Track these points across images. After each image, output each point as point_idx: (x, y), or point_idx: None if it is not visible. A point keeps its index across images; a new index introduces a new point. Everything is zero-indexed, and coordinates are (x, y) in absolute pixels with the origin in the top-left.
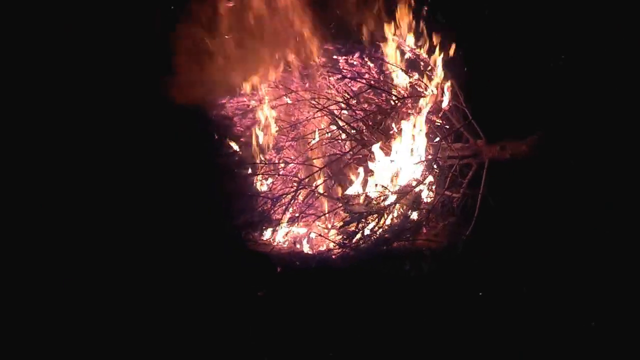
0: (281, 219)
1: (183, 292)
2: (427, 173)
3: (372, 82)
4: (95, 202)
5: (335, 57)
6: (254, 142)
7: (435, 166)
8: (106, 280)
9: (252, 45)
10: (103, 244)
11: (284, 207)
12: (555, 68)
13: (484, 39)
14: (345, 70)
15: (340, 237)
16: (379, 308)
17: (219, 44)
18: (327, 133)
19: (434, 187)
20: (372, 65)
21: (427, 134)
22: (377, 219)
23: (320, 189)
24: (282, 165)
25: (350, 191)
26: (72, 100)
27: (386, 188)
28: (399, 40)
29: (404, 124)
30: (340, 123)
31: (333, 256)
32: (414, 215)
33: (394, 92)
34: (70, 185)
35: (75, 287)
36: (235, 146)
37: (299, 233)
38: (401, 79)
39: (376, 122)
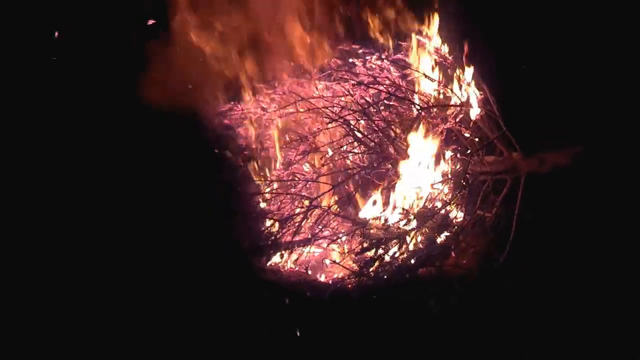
0: (291, 242)
1: (181, 325)
2: (456, 191)
3: (392, 88)
4: (95, 226)
5: (351, 60)
6: (259, 156)
7: (465, 183)
8: (103, 309)
9: (258, 46)
10: (103, 269)
11: (293, 229)
12: (596, 71)
13: (519, 42)
14: (362, 75)
15: (358, 264)
16: (400, 347)
17: (220, 44)
18: (343, 146)
19: (464, 206)
20: (392, 68)
21: (455, 148)
22: (398, 245)
23: (335, 209)
24: (292, 182)
25: (368, 213)
26: (67, 114)
27: (408, 212)
28: (424, 41)
29: (429, 136)
30: (357, 134)
31: (349, 285)
32: (442, 238)
33: (417, 99)
34: (67, 208)
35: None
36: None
37: (311, 258)
38: (425, 85)
39: (397, 134)
